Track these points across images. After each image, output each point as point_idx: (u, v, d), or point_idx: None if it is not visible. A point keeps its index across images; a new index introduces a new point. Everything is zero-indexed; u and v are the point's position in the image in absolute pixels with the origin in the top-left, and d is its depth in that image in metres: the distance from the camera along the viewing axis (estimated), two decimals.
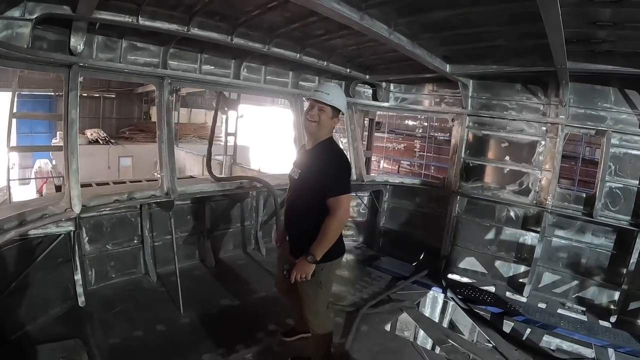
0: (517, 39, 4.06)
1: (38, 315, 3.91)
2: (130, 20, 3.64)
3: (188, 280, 4.85)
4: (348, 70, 5.71)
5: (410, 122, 23.53)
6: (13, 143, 4.80)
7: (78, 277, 4.32)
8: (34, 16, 3.27)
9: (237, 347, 3.84)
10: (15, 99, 4.43)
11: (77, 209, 3.89)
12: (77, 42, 3.72)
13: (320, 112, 2.96)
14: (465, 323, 5.68)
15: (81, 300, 4.31)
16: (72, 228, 4.13)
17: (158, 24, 3.79)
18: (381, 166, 23.00)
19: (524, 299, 5.38)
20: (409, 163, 22.94)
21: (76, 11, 3.31)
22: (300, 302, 3.25)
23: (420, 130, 22.68)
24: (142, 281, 4.98)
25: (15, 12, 3.23)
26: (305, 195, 3.00)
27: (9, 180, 5.38)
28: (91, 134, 19.66)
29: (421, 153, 21.52)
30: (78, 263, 4.33)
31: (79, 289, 4.32)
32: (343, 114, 3.12)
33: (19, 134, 17.52)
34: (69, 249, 4.28)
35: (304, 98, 3.06)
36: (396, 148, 23.44)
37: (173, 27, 3.88)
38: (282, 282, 3.34)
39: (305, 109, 3.07)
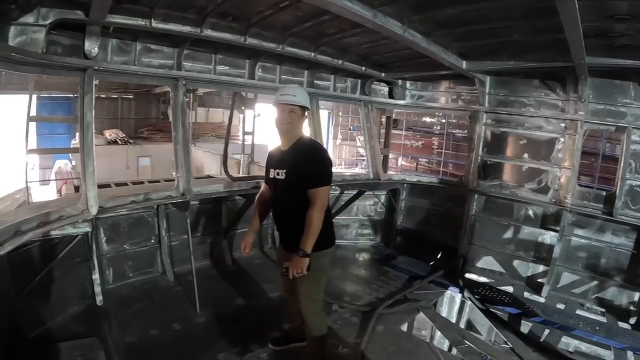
0: (533, 34, 3.95)
1: (56, 314, 3.97)
2: (143, 23, 3.66)
3: (204, 280, 4.87)
4: (363, 68, 5.65)
5: (428, 119, 23.14)
6: (32, 145, 4.88)
7: (96, 276, 4.38)
8: (48, 22, 3.32)
9: (252, 346, 3.83)
10: (35, 101, 4.47)
11: (93, 210, 3.93)
12: (91, 46, 3.75)
13: (290, 114, 3.11)
14: (483, 323, 5.56)
15: (99, 299, 4.37)
16: (89, 229, 4.19)
17: (171, 26, 3.81)
18: (399, 164, 22.84)
19: (542, 300, 5.24)
20: (427, 160, 22.69)
21: (89, 16, 3.34)
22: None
23: (438, 127, 22.30)
24: (159, 280, 5.02)
25: (29, 18, 3.27)
26: (294, 192, 3.09)
27: (27, 182, 5.47)
28: (110, 135, 19.85)
29: (439, 150, 21.30)
30: (96, 262, 4.38)
31: (97, 288, 4.38)
32: (309, 110, 3.27)
33: (38, 135, 17.94)
34: (87, 249, 4.34)
35: (272, 104, 3.05)
36: (414, 145, 23.15)
37: (186, 29, 3.89)
38: (285, 282, 3.45)
39: (275, 113, 3.17)
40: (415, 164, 23.05)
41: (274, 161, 3.29)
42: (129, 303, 4.46)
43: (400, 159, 23.01)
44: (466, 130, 19.21)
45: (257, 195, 3.56)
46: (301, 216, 3.03)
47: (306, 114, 3.23)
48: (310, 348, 3.47)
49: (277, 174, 3.20)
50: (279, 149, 3.28)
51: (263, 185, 3.55)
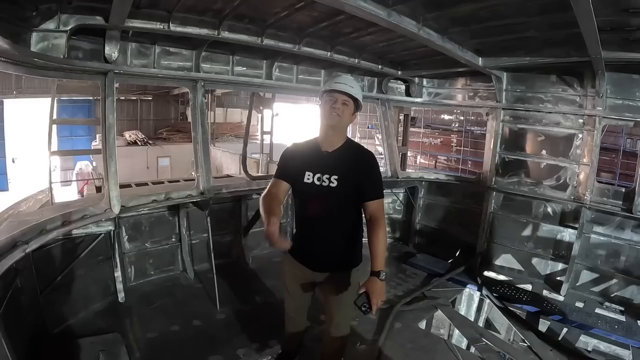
0: (549, 29, 3.88)
1: (79, 311, 4.06)
2: (161, 27, 3.72)
3: (224, 277, 4.92)
4: (380, 66, 5.63)
5: (446, 117, 22.98)
6: (54, 147, 5.01)
7: (118, 274, 4.47)
8: (69, 28, 3.39)
9: (270, 342, 3.85)
10: (55, 104, 4.60)
11: (116, 209, 4.03)
12: (111, 50, 3.84)
13: (343, 107, 2.63)
14: (501, 322, 5.50)
15: (121, 296, 4.46)
16: (111, 228, 4.28)
17: (189, 30, 3.86)
18: (418, 161, 22.64)
19: (561, 298, 5.17)
20: (445, 158, 22.47)
21: (109, 21, 3.40)
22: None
23: (456, 125, 22.09)
24: (180, 278, 5.10)
25: (50, 25, 3.35)
26: (347, 203, 2.70)
27: (50, 182, 5.62)
28: (130, 136, 20.24)
29: (458, 147, 21.01)
30: (118, 261, 4.47)
31: (119, 286, 4.47)
32: (360, 109, 2.79)
33: (60, 138, 18.35)
34: (109, 247, 4.43)
35: (321, 90, 2.81)
36: (432, 143, 22.91)
37: (203, 31, 3.94)
38: (294, 301, 3.05)
39: (324, 102, 2.66)
40: (434, 161, 22.84)
41: (309, 162, 2.73)
42: (150, 300, 4.54)
43: (418, 157, 22.84)
44: (485, 127, 19.02)
45: (265, 195, 2.72)
46: (348, 232, 2.77)
47: (357, 113, 2.78)
48: (340, 348, 3.10)
49: (318, 179, 2.67)
50: (317, 149, 2.75)
51: (271, 184, 2.82)
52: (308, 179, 2.69)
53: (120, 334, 3.78)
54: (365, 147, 2.89)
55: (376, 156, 2.88)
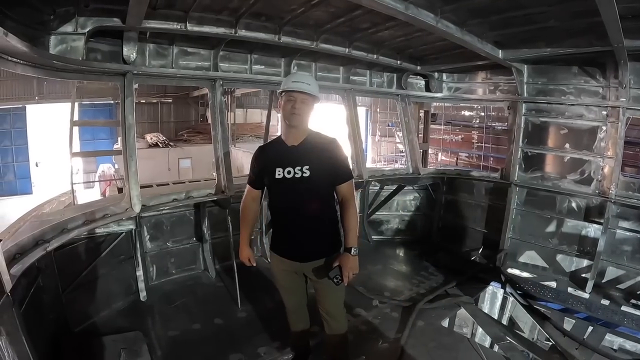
0: (570, 18, 3.76)
1: (101, 309, 4.11)
2: (178, 27, 3.73)
3: (246, 276, 4.90)
4: (399, 62, 5.56)
5: (467, 113, 22.61)
6: (76, 149, 5.09)
7: (140, 273, 4.51)
8: (86, 30, 3.45)
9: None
10: (77, 109, 4.67)
11: (137, 208, 4.06)
12: (129, 51, 3.88)
13: (303, 105, 2.75)
14: (525, 321, 5.41)
15: (143, 295, 4.50)
16: (132, 226, 4.32)
17: (206, 29, 3.87)
18: (439, 159, 22.38)
19: (586, 295, 5.01)
20: (467, 155, 22.09)
21: (126, 22, 3.43)
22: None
23: (477, 121, 21.71)
24: (201, 277, 5.12)
25: (68, 28, 3.41)
26: (321, 190, 2.84)
27: (72, 184, 5.72)
28: (151, 138, 20.49)
29: (479, 144, 20.63)
30: (140, 260, 4.52)
31: (141, 284, 4.51)
32: (318, 102, 2.88)
33: (82, 141, 18.67)
34: (131, 247, 4.47)
35: (278, 92, 2.88)
36: (453, 140, 22.60)
37: (221, 30, 3.94)
38: (293, 296, 3.17)
39: (284, 102, 2.78)
40: (455, 158, 22.49)
41: (278, 159, 2.83)
42: (172, 298, 4.56)
43: (440, 154, 22.58)
44: (506, 123, 18.62)
45: (243, 204, 3.11)
46: (326, 217, 2.89)
47: (314, 106, 2.87)
48: (342, 346, 3.22)
49: (288, 172, 2.77)
50: (283, 145, 2.86)
51: (247, 193, 3.08)
52: (279, 174, 2.79)
53: (141, 332, 3.81)
54: (328, 135, 2.97)
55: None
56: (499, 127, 19.62)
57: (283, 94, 2.78)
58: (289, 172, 2.77)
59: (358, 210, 2.95)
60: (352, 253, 2.71)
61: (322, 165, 2.78)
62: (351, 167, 3.03)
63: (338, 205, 2.94)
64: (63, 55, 3.44)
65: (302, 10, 3.78)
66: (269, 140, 3.06)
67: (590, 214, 5.19)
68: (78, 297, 3.89)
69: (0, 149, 18.87)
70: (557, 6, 3.51)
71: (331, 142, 2.87)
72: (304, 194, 2.79)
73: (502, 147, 18.36)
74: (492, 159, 19.53)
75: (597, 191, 5.08)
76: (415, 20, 3.46)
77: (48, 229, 3.24)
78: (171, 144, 20.76)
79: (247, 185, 3.07)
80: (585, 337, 4.35)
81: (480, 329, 4.60)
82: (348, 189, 2.85)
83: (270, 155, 2.92)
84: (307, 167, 2.75)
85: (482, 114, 20.67)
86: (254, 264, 3.15)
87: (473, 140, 21.62)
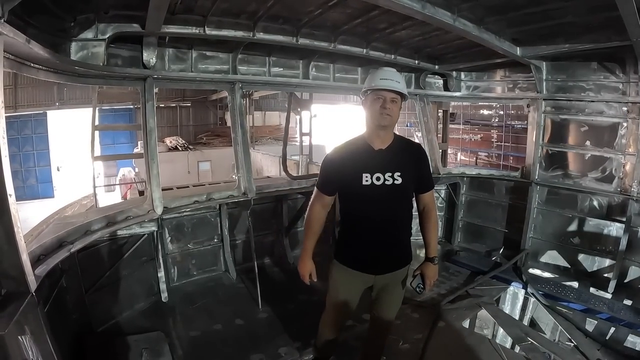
0: (587, 13, 3.66)
1: (124, 310, 4.14)
2: (197, 31, 3.73)
3: (266, 277, 4.94)
4: (416, 61, 5.49)
5: (486, 112, 22.17)
6: (97, 153, 5.16)
7: (161, 274, 4.54)
8: (106, 36, 3.48)
9: (312, 341, 3.71)
10: (97, 114, 4.73)
11: (159, 210, 4.09)
12: (149, 56, 3.91)
13: (393, 105, 2.47)
14: (547, 321, 5.27)
15: (164, 295, 4.53)
16: (154, 228, 4.36)
17: (224, 32, 3.86)
18: (458, 158, 22.15)
19: (608, 295, 4.88)
20: (486, 154, 21.84)
21: (145, 28, 3.45)
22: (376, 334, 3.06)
23: (496, 120, 21.33)
24: (222, 278, 5.13)
25: (89, 34, 3.44)
26: (408, 198, 2.63)
27: (94, 187, 5.80)
28: (170, 142, 20.70)
29: (498, 143, 20.43)
30: (161, 261, 4.55)
31: (162, 286, 4.54)
32: (406, 101, 2.66)
33: (102, 145, 18.97)
34: (153, 248, 4.51)
35: (364, 89, 2.63)
36: (472, 139, 22.36)
37: (239, 34, 3.94)
38: (341, 311, 2.95)
39: (371, 101, 2.52)
40: (474, 157, 22.25)
41: (364, 163, 2.53)
42: (193, 299, 4.58)
43: (459, 154, 22.32)
44: (525, 122, 18.28)
45: (310, 212, 2.79)
46: (408, 227, 2.73)
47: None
48: (384, 342, 3.17)
49: (385, 179, 2.49)
50: (368, 148, 2.57)
51: (316, 199, 2.75)
52: (366, 181, 2.50)
53: (163, 333, 3.83)
54: (413, 140, 2.88)
55: None
56: (518, 126, 19.28)
57: (369, 92, 2.52)
58: (377, 179, 2.50)
59: None
60: (434, 263, 2.70)
61: (411, 172, 2.58)
62: None
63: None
64: (84, 61, 3.47)
65: (320, 11, 3.76)
66: (347, 141, 2.70)
67: (612, 212, 5.05)
68: (101, 297, 3.92)
69: (22, 154, 19.27)
70: (575, 1, 3.42)
71: (419, 147, 2.74)
72: (392, 203, 2.56)
73: (521, 146, 18.08)
74: (512, 158, 19.25)
75: (618, 189, 4.94)
76: (432, 19, 3.41)
77: (72, 230, 3.28)
78: (190, 147, 20.93)
79: (316, 191, 2.75)
80: (607, 338, 4.25)
81: (501, 330, 4.51)
82: (431, 198, 2.74)
83: (353, 158, 2.58)
84: (399, 173, 2.51)
85: (501, 112, 20.32)
86: (315, 280, 2.85)
87: (492, 139, 21.29)
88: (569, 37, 4.35)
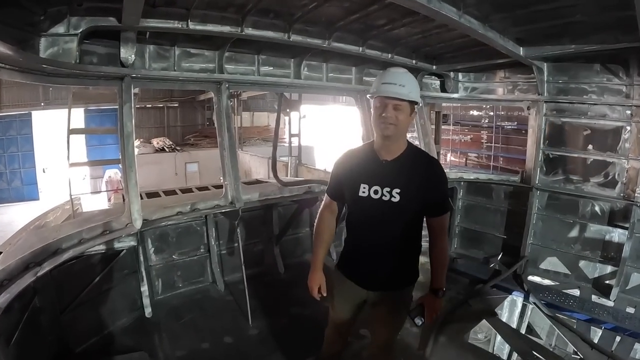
0: (598, 12, 3.39)
1: (104, 327, 3.74)
2: (180, 26, 3.29)
3: (256, 288, 4.53)
4: (414, 61, 5.09)
5: (476, 113, 21.76)
6: (80, 157, 4.69)
7: (144, 288, 4.13)
8: (80, 30, 3.04)
9: (307, 359, 3.43)
10: (82, 114, 4.26)
11: (137, 224, 3.59)
12: (127, 53, 3.44)
13: (397, 112, 2.17)
14: (542, 325, 5.06)
15: (148, 311, 4.11)
16: (134, 243, 3.93)
17: (210, 27, 3.43)
18: (448, 159, 21.88)
19: (610, 303, 4.62)
20: (476, 155, 21.54)
21: (122, 21, 3.01)
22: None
23: (486, 120, 20.91)
24: (210, 290, 4.72)
25: (60, 29, 2.99)
26: (408, 220, 2.30)
27: (71, 196, 5.30)
28: (157, 143, 20.13)
29: (488, 144, 20.08)
30: (144, 274, 4.14)
31: (146, 300, 4.12)
32: (419, 106, 2.34)
33: (88, 147, 18.07)
34: (134, 260, 4.08)
35: (368, 95, 2.39)
36: (462, 140, 21.97)
37: (226, 29, 3.50)
38: (338, 321, 2.71)
39: (373, 108, 2.27)
40: (464, 158, 21.97)
41: (366, 173, 2.33)
42: (179, 314, 4.17)
43: (449, 155, 22.08)
44: (516, 122, 18.35)
45: (319, 217, 2.60)
46: (407, 251, 2.40)
47: (416, 111, 2.30)
48: None
49: (382, 194, 2.26)
50: (374, 157, 2.34)
51: (325, 203, 2.59)
52: (363, 192, 2.29)
53: (147, 352, 3.46)
54: (429, 155, 2.46)
55: None
56: (508, 127, 19.08)
57: (373, 98, 2.26)
58: (375, 192, 2.27)
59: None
60: (439, 296, 2.34)
61: (417, 191, 2.24)
62: None
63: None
64: (55, 58, 3.03)
65: (315, 5, 3.35)
66: (360, 146, 2.50)
67: (615, 218, 4.79)
68: (79, 315, 3.53)
69: (7, 155, 18.43)
70: None
71: (432, 163, 2.34)
72: (387, 221, 2.30)
73: (512, 147, 18.01)
74: (502, 158, 19.07)
75: (621, 194, 4.69)
76: (437, 14, 3.04)
77: (39, 250, 2.85)
78: (178, 148, 20.39)
79: (325, 196, 2.59)
80: (613, 348, 3.99)
81: (499, 337, 4.22)
82: (442, 222, 2.33)
83: (357, 165, 2.38)
84: (398, 190, 2.23)
85: (491, 113, 20.08)
86: (324, 294, 2.56)
87: (482, 140, 20.96)
88: (575, 37, 4.06)
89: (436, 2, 2.96)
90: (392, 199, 2.23)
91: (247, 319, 4.06)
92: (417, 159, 2.32)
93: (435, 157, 6.05)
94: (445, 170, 2.45)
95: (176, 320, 4.07)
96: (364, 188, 2.29)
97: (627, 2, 2.66)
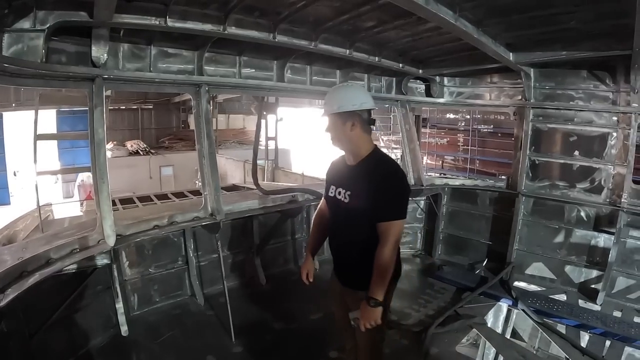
0: (593, 19, 3.30)
1: (78, 348, 3.41)
2: (157, 22, 2.97)
3: (238, 301, 4.23)
4: (400, 65, 4.86)
5: (452, 116, 21.54)
6: (50, 162, 4.26)
7: (119, 305, 3.76)
8: (47, 26, 2.70)
9: None
10: (54, 115, 3.83)
11: (110, 240, 3.20)
12: (99, 52, 3.08)
13: (329, 129, 2.40)
14: (524, 327, 4.89)
15: (124, 329, 3.75)
16: (107, 261, 3.54)
17: (190, 25, 3.11)
18: (424, 162, 21.78)
19: (597, 307, 4.54)
20: (452, 158, 21.39)
21: (94, 17, 2.68)
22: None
23: (462, 124, 20.71)
24: (189, 304, 4.38)
25: (25, 24, 2.66)
26: (358, 220, 2.36)
27: (39, 206, 4.81)
28: (131, 146, 19.47)
29: (465, 147, 19.89)
30: (119, 291, 3.76)
31: (121, 318, 3.76)
32: (362, 110, 2.34)
33: (60, 149, 17.02)
34: (108, 276, 3.71)
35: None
36: (439, 143, 21.72)
37: (207, 27, 3.19)
38: (339, 319, 2.75)
39: None
40: (441, 161, 21.82)
41: (335, 175, 2.56)
42: (157, 332, 3.83)
43: (425, 157, 21.97)
44: (492, 125, 18.36)
45: (317, 209, 2.82)
46: (365, 252, 2.30)
47: (356, 121, 2.31)
48: None
49: (339, 193, 2.44)
50: (345, 162, 2.52)
51: (322, 201, 2.77)
52: (331, 192, 2.52)
53: None
54: (388, 164, 2.44)
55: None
56: (484, 130, 19.03)
57: None
58: (339, 193, 2.45)
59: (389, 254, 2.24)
60: (370, 304, 2.23)
61: (360, 194, 2.32)
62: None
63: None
64: (18, 56, 2.68)
65: (303, 4, 3.08)
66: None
67: (601, 223, 4.71)
68: (51, 337, 3.20)
69: None
70: (585, 6, 3.04)
71: (383, 170, 2.35)
72: (343, 220, 2.48)
73: (488, 150, 17.98)
74: (478, 161, 19.08)
75: (607, 200, 4.61)
76: (435, 16, 2.88)
77: (3, 274, 2.50)
78: (152, 151, 19.77)
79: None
80: (604, 354, 3.90)
81: (499, 355, 4.04)
82: (384, 229, 2.25)
83: (334, 169, 2.63)
84: (349, 193, 2.38)
85: (468, 116, 20.08)
86: (311, 280, 2.72)
87: (459, 143, 20.80)
88: (567, 43, 3.98)
89: (434, 4, 2.80)
90: (344, 200, 2.39)
91: (229, 336, 3.76)
92: (370, 164, 2.38)
93: (420, 164, 5.89)
94: (406, 182, 2.47)
95: (154, 338, 3.74)
96: (332, 189, 2.51)
97: (625, 10, 2.62)
